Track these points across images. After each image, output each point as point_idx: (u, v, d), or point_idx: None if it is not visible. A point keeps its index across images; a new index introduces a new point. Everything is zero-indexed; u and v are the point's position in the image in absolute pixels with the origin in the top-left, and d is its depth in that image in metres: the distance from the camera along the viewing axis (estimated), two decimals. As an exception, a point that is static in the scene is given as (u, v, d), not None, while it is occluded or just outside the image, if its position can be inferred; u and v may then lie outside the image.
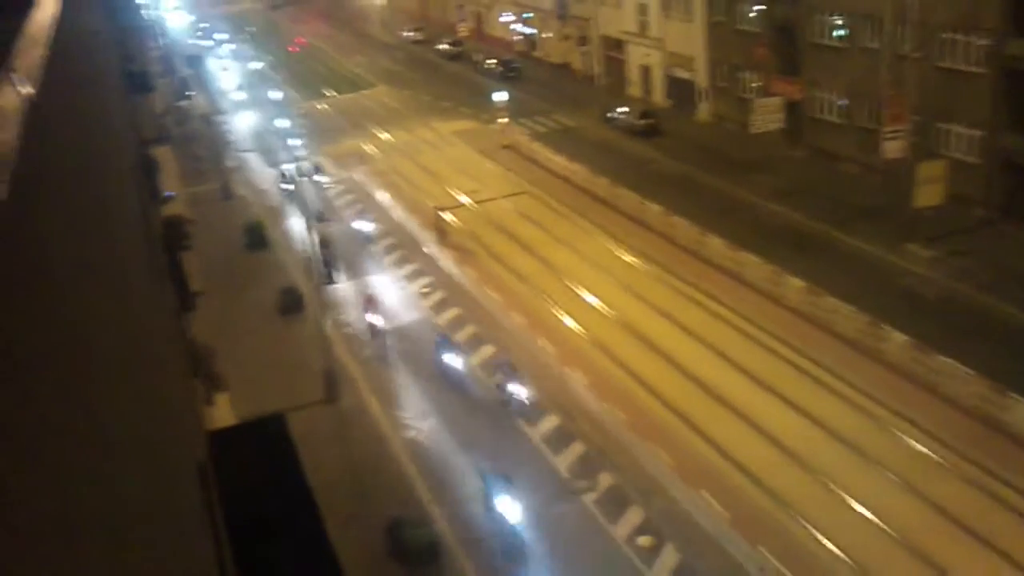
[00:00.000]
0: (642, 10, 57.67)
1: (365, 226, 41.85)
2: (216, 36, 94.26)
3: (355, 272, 38.24)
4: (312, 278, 31.90)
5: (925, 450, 24.13)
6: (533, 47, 73.44)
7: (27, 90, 2.35)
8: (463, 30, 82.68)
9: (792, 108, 44.98)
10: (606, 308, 33.14)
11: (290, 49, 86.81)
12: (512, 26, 75.94)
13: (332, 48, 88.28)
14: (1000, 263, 32.67)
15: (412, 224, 42.54)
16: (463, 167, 50.40)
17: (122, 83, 15.36)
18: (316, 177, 48.72)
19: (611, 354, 30.14)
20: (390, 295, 35.57)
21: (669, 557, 21.35)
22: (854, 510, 22.38)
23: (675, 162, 47.39)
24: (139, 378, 4.16)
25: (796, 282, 31.91)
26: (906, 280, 32.82)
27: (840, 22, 42.19)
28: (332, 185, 49.08)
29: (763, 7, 46.86)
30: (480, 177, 48.43)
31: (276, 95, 67.30)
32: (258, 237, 41.83)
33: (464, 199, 45.18)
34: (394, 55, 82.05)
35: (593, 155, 48.61)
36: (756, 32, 47.80)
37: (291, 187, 42.33)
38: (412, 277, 37.37)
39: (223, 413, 20.71)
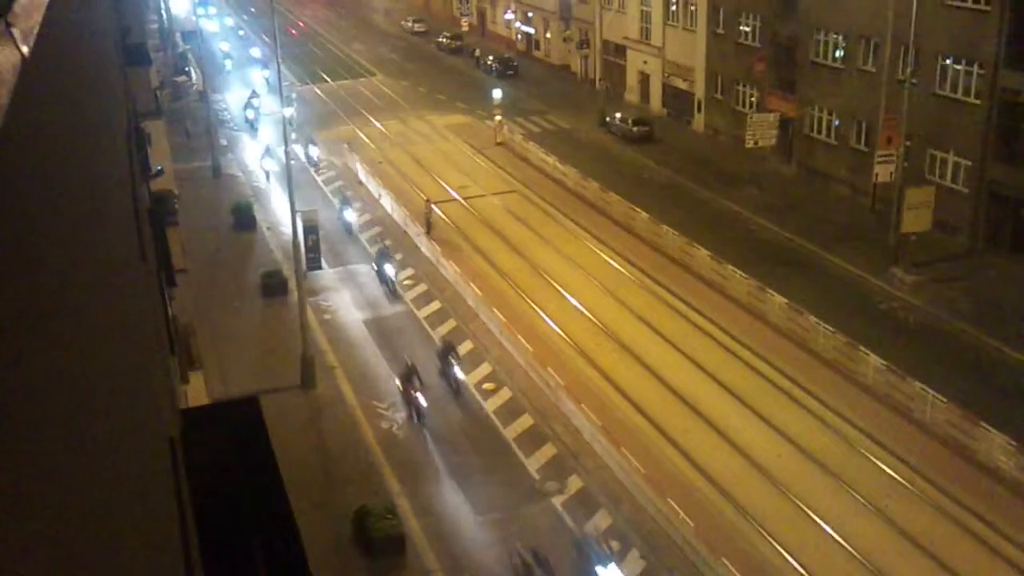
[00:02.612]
0: (645, 17, 57.77)
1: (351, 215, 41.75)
2: (252, 53, 75.04)
3: (340, 259, 38.13)
4: (296, 262, 31.75)
5: (893, 473, 24.29)
6: (534, 46, 73.43)
7: (25, 48, 2.33)
8: (465, 25, 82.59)
9: (786, 125, 45.18)
10: (587, 311, 33.17)
11: (289, 31, 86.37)
12: (514, 24, 75.92)
13: (332, 34, 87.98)
14: (981, 292, 32.92)
15: (400, 215, 42.45)
16: (455, 161, 50.34)
17: (119, 54, 15.27)
18: (310, 158, 48.69)
19: (588, 357, 30.18)
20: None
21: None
22: (819, 528, 22.51)
23: (667, 171, 47.49)
24: (116, 350, 4.14)
25: (778, 298, 32.05)
26: (887, 304, 33.02)
27: (839, 42, 42.37)
28: (323, 171, 48.92)
29: (763, 23, 47.04)
30: (471, 173, 48.38)
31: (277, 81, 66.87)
32: (245, 217, 41.63)
33: (454, 194, 45.12)
34: (393, 45, 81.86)
35: (586, 158, 48.65)
36: (755, 47, 47.97)
37: (276, 168, 42.28)
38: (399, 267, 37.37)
39: (197, 392, 20.64)
